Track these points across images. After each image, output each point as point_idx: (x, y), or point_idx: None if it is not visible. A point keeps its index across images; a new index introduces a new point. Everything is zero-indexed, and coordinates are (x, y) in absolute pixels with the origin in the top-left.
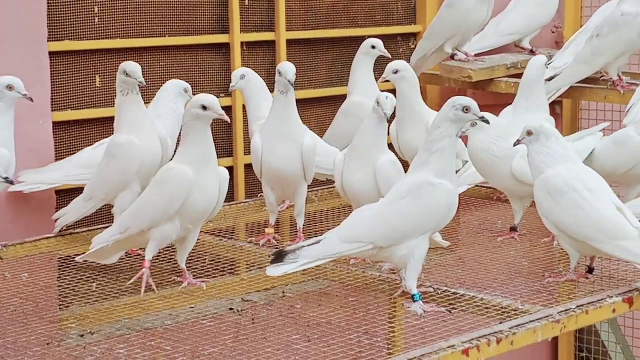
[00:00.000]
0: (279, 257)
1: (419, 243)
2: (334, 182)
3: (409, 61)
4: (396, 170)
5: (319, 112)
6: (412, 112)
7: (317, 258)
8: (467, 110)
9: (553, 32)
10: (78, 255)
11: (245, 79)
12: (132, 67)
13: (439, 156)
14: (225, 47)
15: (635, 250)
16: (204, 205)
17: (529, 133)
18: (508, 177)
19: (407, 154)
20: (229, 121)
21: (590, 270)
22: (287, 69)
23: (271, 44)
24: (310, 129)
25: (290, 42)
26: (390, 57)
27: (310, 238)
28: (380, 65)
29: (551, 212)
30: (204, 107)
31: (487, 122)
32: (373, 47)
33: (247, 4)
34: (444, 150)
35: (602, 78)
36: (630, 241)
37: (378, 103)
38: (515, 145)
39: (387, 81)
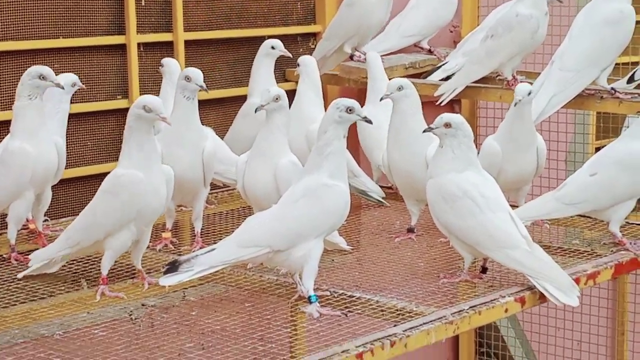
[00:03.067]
0: (173, 266)
1: (315, 245)
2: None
3: None
4: (297, 172)
5: (218, 113)
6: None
7: (212, 265)
8: (350, 110)
9: (451, 32)
10: None
11: (164, 68)
12: (48, 70)
13: (331, 159)
14: (121, 49)
15: (521, 260)
16: (157, 206)
17: (447, 125)
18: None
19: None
20: (170, 124)
21: (484, 270)
22: (197, 74)
23: (169, 45)
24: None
25: (188, 43)
26: (291, 56)
27: (209, 241)
28: (280, 66)
29: (443, 216)
30: (147, 109)
31: (370, 122)
32: (273, 48)
33: (143, 4)
34: (334, 152)
35: (497, 77)
36: (518, 250)
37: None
38: (424, 131)
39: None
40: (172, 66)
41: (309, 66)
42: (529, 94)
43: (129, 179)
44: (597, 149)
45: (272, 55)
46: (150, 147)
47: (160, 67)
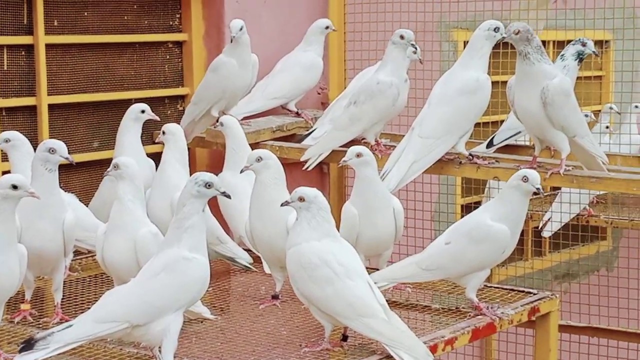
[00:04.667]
0: (29, 344)
1: (174, 318)
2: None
3: (178, 123)
4: (157, 243)
5: (83, 177)
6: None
7: (68, 342)
8: (209, 186)
9: (319, 94)
10: None
11: (10, 143)
12: None
13: (190, 232)
14: None
15: (378, 329)
16: (9, 286)
17: (301, 199)
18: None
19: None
20: (40, 198)
21: (345, 338)
22: (61, 146)
23: (32, 109)
24: (76, 196)
25: (52, 107)
26: (159, 119)
27: (70, 311)
28: (147, 128)
29: (303, 285)
30: (15, 187)
31: (229, 196)
32: (142, 112)
33: (5, 68)
34: (193, 226)
35: (363, 140)
36: (375, 319)
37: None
38: (282, 205)
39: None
40: (20, 137)
41: (175, 134)
42: None
43: None
44: (463, 207)
45: (140, 119)
46: (10, 227)
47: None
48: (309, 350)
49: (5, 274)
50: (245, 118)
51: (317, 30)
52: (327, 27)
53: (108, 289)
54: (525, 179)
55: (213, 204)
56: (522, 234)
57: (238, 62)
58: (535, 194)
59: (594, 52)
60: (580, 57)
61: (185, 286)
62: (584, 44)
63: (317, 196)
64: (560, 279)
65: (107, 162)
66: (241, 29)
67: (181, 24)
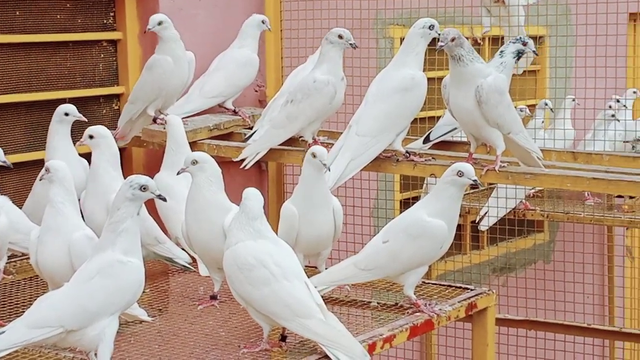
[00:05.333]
0: None
1: (110, 322)
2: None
3: (115, 124)
4: (92, 246)
5: (16, 179)
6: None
7: (1, 349)
8: (144, 188)
9: (256, 91)
10: None
11: None
12: None
13: (124, 236)
14: None
15: (315, 329)
16: None
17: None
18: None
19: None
20: None
21: (283, 338)
22: None
23: None
24: (9, 198)
25: None
26: (86, 120)
27: (4, 315)
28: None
29: (239, 286)
30: None
31: (165, 199)
32: (66, 114)
33: None
34: (127, 230)
35: (300, 138)
36: (312, 320)
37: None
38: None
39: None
40: None
41: (106, 137)
42: None
43: None
44: (402, 202)
45: (66, 121)
46: None
47: None
48: (247, 351)
49: None
50: (183, 118)
51: (252, 25)
52: (263, 22)
53: (44, 291)
54: (460, 174)
55: (150, 205)
56: (459, 228)
57: (173, 60)
58: (473, 187)
59: (534, 51)
60: (519, 56)
61: (120, 290)
62: (524, 44)
63: (247, 204)
64: (498, 272)
65: (40, 162)
66: (160, 24)
67: (115, 22)
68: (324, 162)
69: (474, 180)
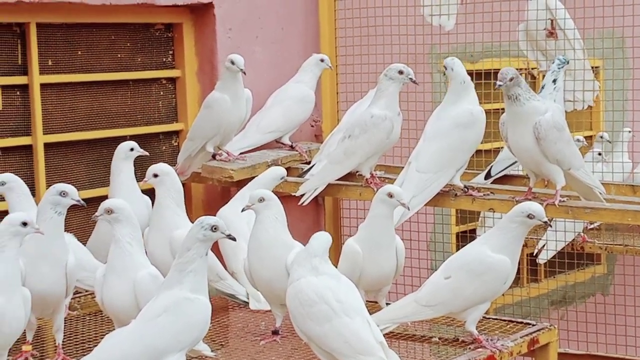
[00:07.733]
0: None
1: (178, 359)
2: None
3: (175, 160)
4: (157, 285)
5: (80, 216)
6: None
7: None
8: (215, 229)
9: (312, 126)
10: None
11: (7, 185)
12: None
13: (192, 276)
14: None
15: None
16: (16, 330)
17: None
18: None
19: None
20: (44, 233)
21: None
22: (72, 190)
23: (28, 148)
24: (74, 235)
25: (48, 146)
26: (148, 155)
27: (71, 351)
28: (144, 163)
29: (301, 321)
30: (24, 224)
31: (234, 239)
32: (131, 150)
33: (0, 108)
34: (196, 270)
35: (358, 174)
36: (373, 358)
37: None
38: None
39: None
40: (15, 179)
41: (170, 174)
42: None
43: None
44: (458, 235)
45: (130, 157)
46: (15, 267)
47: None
48: None
49: (11, 317)
50: (241, 153)
51: (312, 63)
52: (322, 60)
53: (108, 327)
54: (531, 217)
55: None
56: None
57: (231, 98)
58: (543, 226)
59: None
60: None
61: (188, 327)
62: (567, 62)
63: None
64: (556, 304)
65: (100, 199)
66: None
67: (174, 61)
68: (402, 201)
69: (545, 222)
